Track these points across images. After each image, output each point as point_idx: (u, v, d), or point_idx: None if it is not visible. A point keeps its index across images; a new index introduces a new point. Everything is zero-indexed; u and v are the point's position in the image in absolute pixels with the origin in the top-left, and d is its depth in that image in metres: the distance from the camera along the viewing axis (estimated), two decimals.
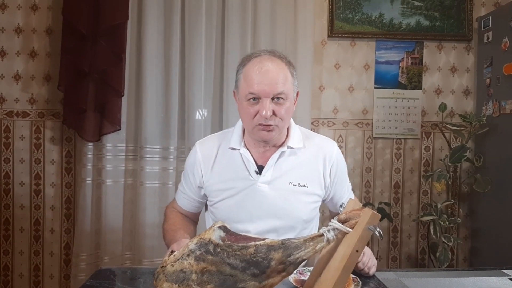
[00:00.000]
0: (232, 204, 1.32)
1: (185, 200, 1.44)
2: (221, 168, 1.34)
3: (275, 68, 1.22)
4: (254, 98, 1.21)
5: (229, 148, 1.34)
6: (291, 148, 1.32)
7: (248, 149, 1.32)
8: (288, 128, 1.34)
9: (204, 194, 1.39)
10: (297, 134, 1.36)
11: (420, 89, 2.68)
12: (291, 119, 1.36)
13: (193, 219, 1.49)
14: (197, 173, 1.36)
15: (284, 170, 1.31)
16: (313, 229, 1.41)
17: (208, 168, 1.35)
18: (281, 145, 1.32)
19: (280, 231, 1.31)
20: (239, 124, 1.36)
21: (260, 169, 1.31)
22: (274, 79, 1.20)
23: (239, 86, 1.27)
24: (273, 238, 1.18)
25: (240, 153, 1.32)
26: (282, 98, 1.22)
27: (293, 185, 1.31)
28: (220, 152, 1.35)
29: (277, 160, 1.31)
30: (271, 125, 1.22)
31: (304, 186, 1.32)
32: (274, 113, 1.21)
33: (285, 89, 1.22)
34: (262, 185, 1.30)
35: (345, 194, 1.44)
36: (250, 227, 1.30)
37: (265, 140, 1.27)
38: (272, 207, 1.30)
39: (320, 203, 1.39)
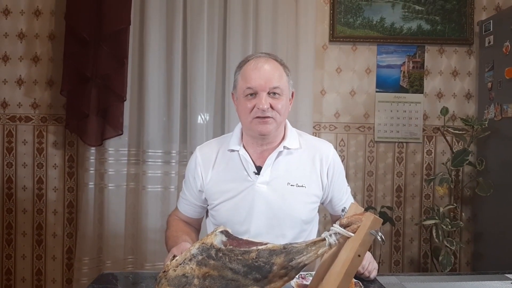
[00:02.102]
0: (231, 206, 1.33)
1: (187, 206, 1.46)
2: (220, 171, 1.36)
3: (270, 66, 1.29)
4: (251, 94, 1.26)
5: (228, 150, 1.37)
6: (288, 148, 1.34)
7: (246, 150, 1.35)
8: (285, 129, 1.37)
9: (205, 198, 1.40)
10: (293, 135, 1.38)
11: (422, 93, 2.68)
12: (287, 122, 1.39)
13: (195, 226, 1.50)
14: (197, 177, 1.38)
15: (282, 170, 1.33)
16: (312, 230, 1.42)
17: (208, 171, 1.37)
18: (278, 145, 1.34)
19: (279, 232, 1.32)
20: (238, 127, 1.40)
21: (258, 170, 1.33)
22: (270, 74, 1.27)
23: (237, 85, 1.33)
24: (271, 238, 1.19)
25: (239, 154, 1.34)
26: (278, 93, 1.27)
27: (291, 185, 1.33)
28: (219, 155, 1.38)
29: (274, 160, 1.33)
30: (268, 117, 1.26)
31: (302, 186, 1.33)
32: (271, 106, 1.26)
33: (281, 85, 1.28)
34: (261, 186, 1.31)
35: (344, 196, 1.45)
36: (250, 228, 1.32)
37: (263, 134, 1.28)
38: (270, 207, 1.31)
39: (318, 204, 1.41)
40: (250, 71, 1.27)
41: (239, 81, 1.31)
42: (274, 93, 1.26)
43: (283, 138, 1.36)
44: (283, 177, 1.33)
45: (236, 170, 1.34)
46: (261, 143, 1.33)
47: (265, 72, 1.26)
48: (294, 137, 1.38)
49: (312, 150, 1.38)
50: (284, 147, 1.34)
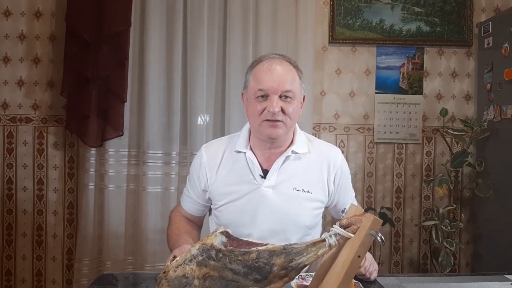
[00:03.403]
0: (236, 208, 1.32)
1: (190, 203, 1.45)
2: (226, 172, 1.34)
3: (284, 68, 1.25)
4: (262, 96, 1.24)
5: (235, 151, 1.34)
6: (296, 153, 1.32)
7: (253, 152, 1.32)
8: (293, 133, 1.35)
9: (209, 197, 1.39)
10: (302, 139, 1.36)
11: (421, 94, 2.68)
12: (297, 126, 1.37)
13: (197, 223, 1.49)
14: (202, 176, 1.37)
15: (289, 175, 1.31)
16: (315, 235, 1.41)
17: (213, 172, 1.35)
18: (286, 149, 1.32)
19: (283, 236, 1.31)
20: (245, 128, 1.37)
21: (265, 173, 1.31)
22: (283, 77, 1.23)
23: (248, 86, 1.29)
24: (275, 243, 1.19)
25: (246, 156, 1.32)
26: (289, 97, 1.24)
27: (297, 190, 1.31)
28: (225, 155, 1.36)
29: (281, 165, 1.31)
30: (278, 121, 1.23)
31: (308, 192, 1.32)
32: (282, 110, 1.23)
33: (293, 88, 1.25)
34: (266, 190, 1.30)
35: (349, 201, 1.44)
36: (253, 231, 1.30)
37: (272, 138, 1.26)
38: (275, 212, 1.30)
39: (323, 209, 1.40)
40: (262, 73, 1.24)
41: (250, 82, 1.28)
42: (286, 97, 1.24)
43: (291, 142, 1.33)
44: (290, 182, 1.31)
45: (242, 172, 1.32)
46: (269, 147, 1.31)
47: (278, 75, 1.23)
48: (303, 142, 1.35)
49: (320, 156, 1.36)
50: (292, 151, 1.32)
